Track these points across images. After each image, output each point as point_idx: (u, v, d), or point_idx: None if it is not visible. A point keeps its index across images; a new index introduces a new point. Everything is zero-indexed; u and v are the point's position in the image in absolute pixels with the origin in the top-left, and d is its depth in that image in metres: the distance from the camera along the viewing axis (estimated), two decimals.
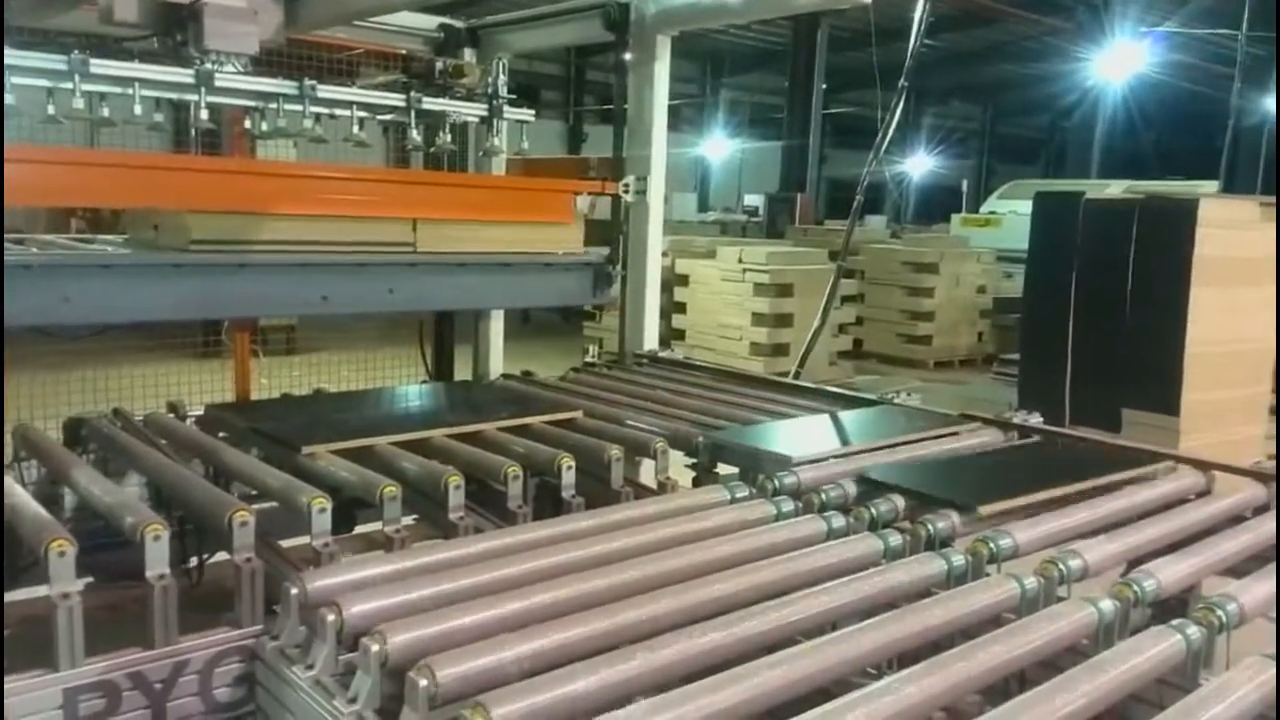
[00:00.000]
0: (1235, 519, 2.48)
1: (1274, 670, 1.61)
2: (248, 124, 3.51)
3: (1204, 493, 2.65)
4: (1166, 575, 1.97)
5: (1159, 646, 1.70)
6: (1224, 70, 17.38)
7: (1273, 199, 6.25)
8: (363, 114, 3.58)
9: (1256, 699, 1.56)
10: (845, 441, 2.92)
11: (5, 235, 2.70)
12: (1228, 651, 1.79)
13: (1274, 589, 1.94)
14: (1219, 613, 1.79)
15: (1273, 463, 2.67)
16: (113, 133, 3.31)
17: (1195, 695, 1.57)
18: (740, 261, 9.90)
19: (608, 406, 3.36)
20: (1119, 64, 18.48)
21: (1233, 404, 5.90)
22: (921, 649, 1.73)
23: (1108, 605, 1.82)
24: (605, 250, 4.01)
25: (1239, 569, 2.15)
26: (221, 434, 3.02)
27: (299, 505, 2.18)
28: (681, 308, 10.42)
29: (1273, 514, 2.46)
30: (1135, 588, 1.89)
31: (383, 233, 3.40)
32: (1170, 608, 1.99)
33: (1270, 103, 16.86)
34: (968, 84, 27.16)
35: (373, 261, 3.36)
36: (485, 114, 3.89)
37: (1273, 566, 2.06)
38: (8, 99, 2.85)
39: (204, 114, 3.21)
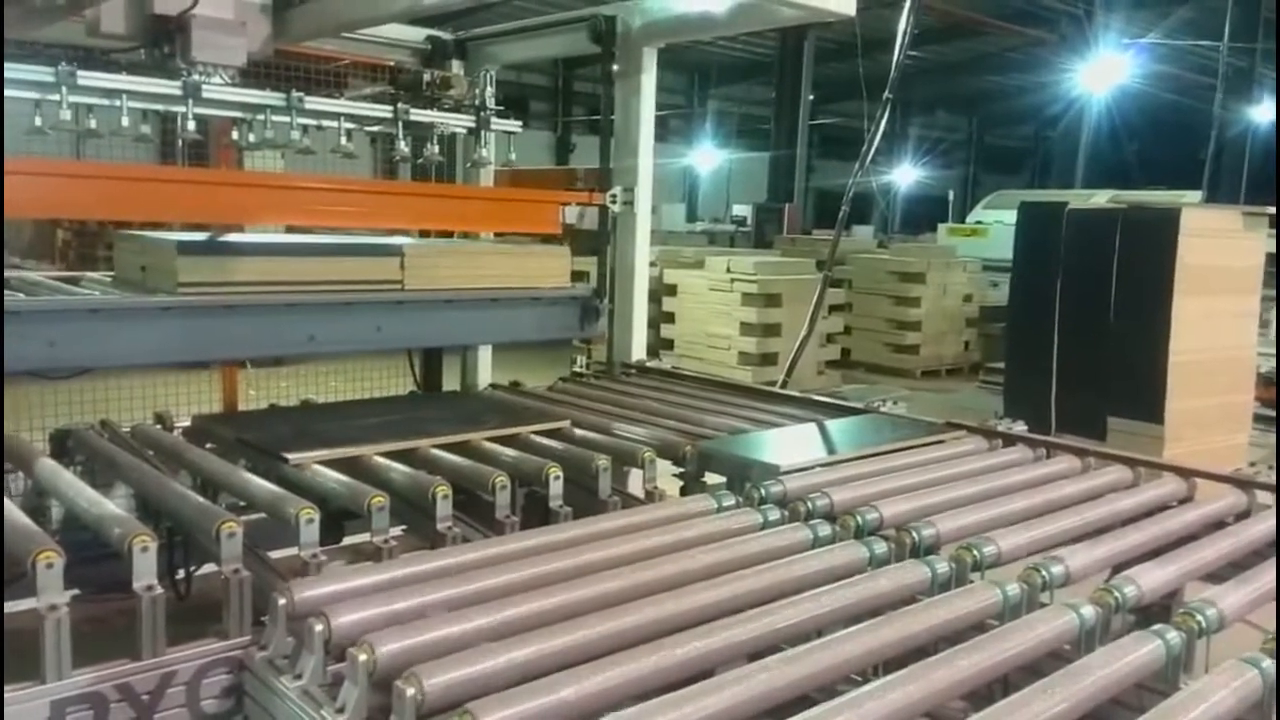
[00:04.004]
0: (1217, 525, 2.50)
1: (1251, 674, 1.63)
2: (235, 135, 3.52)
3: (1186, 499, 2.68)
4: (1148, 581, 1.99)
5: (1139, 651, 1.71)
6: (1206, 81, 17.57)
7: (1255, 209, 6.33)
8: (350, 125, 3.59)
9: (1234, 703, 1.58)
10: (832, 450, 2.95)
11: None
12: (1207, 656, 1.80)
13: (1253, 595, 1.96)
14: (1199, 618, 1.81)
15: (1253, 469, 2.69)
16: (99, 144, 3.30)
17: (1174, 699, 1.59)
18: (728, 271, 9.95)
19: (596, 416, 3.36)
20: (1103, 75, 18.66)
21: (1216, 412, 5.96)
22: (905, 655, 1.74)
23: (1089, 611, 1.84)
24: (593, 271, 4.02)
25: (1220, 575, 2.17)
26: (209, 445, 3.02)
27: (287, 516, 2.18)
28: (670, 318, 10.45)
29: (1252, 520, 2.49)
30: (1117, 593, 1.91)
31: (370, 270, 3.40)
32: (1153, 613, 2.01)
33: (1252, 113, 17.03)
34: (953, 95, 27.36)
35: (360, 300, 3.36)
36: (473, 125, 3.91)
37: (1252, 572, 2.08)
38: None
39: (191, 125, 3.22)
